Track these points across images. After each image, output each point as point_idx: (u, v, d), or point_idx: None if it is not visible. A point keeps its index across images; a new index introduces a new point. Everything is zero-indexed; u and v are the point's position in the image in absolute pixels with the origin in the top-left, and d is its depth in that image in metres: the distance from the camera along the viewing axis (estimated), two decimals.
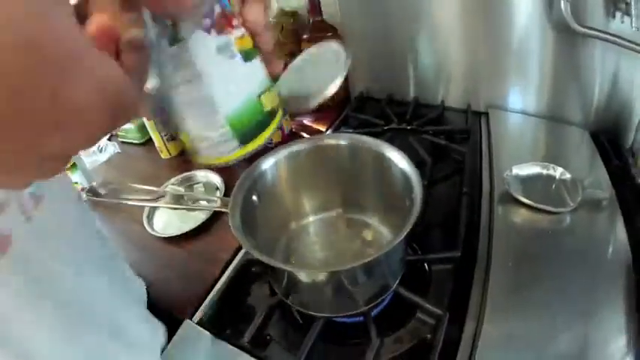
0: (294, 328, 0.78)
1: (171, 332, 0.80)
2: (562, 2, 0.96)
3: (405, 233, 0.62)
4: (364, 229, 0.88)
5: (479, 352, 0.66)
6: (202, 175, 1.22)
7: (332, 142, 0.85)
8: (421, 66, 1.34)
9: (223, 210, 0.74)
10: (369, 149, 0.81)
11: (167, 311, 0.84)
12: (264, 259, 0.63)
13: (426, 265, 0.83)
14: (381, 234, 0.86)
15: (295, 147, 0.84)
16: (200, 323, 0.80)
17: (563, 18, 0.97)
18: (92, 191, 0.81)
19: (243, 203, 0.74)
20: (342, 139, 0.84)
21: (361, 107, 1.41)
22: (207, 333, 0.78)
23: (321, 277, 0.68)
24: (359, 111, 1.38)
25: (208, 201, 0.83)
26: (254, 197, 0.78)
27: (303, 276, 0.69)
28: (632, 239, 0.80)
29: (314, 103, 0.59)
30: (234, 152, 0.49)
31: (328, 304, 0.72)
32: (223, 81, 0.46)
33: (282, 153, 0.83)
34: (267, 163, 0.81)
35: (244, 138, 0.49)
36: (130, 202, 0.81)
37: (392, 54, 1.36)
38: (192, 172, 1.24)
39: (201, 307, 0.84)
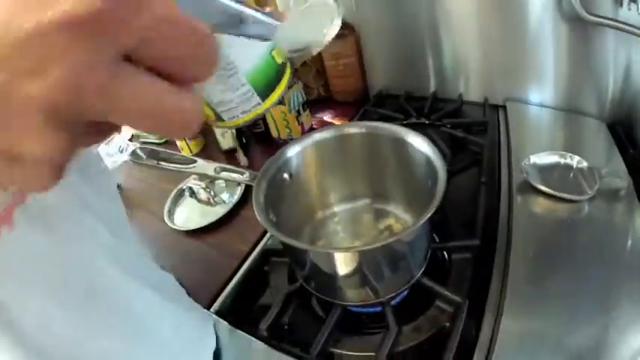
0: (312, 316, 0.79)
1: None
2: None
3: (429, 215, 0.62)
4: (390, 219, 0.88)
5: (498, 343, 0.65)
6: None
7: (353, 130, 0.84)
8: (439, 61, 1.35)
9: (249, 183, 0.74)
10: (390, 135, 0.80)
11: None
12: (283, 237, 0.64)
13: (445, 254, 0.83)
14: (407, 223, 0.86)
15: (318, 136, 0.84)
16: (218, 313, 0.81)
17: (573, 8, 0.97)
18: (134, 154, 0.81)
19: (270, 181, 0.75)
20: (363, 127, 0.84)
21: (380, 103, 1.42)
22: (225, 323, 0.79)
23: (342, 258, 0.67)
24: (378, 107, 1.38)
25: (236, 173, 0.83)
26: (285, 175, 0.80)
27: (323, 258, 0.69)
28: None
29: (316, 50, 0.60)
30: (257, 108, 0.51)
31: (348, 292, 0.72)
32: (239, 41, 0.46)
33: (307, 142, 0.83)
34: (293, 150, 0.81)
35: (264, 93, 0.51)
36: (169, 167, 0.81)
37: (409, 51, 1.36)
38: None
39: (220, 298, 0.85)
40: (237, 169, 0.79)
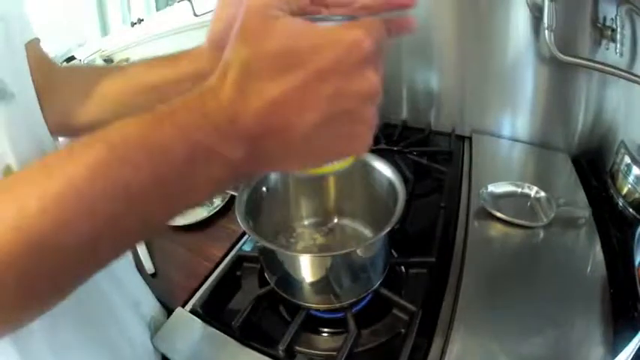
0: (279, 318, 0.85)
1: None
2: (545, 32, 1.02)
3: (387, 230, 0.70)
4: (355, 235, 0.96)
5: (450, 348, 0.72)
6: None
7: None
8: (412, 91, 1.42)
9: (233, 193, 0.80)
10: (359, 160, 0.87)
11: (162, 301, 0.92)
12: (261, 240, 0.73)
13: (403, 268, 0.90)
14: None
15: None
16: (193, 311, 0.86)
17: (547, 47, 1.04)
18: None
19: (251, 193, 0.83)
20: None
21: None
22: (198, 320, 0.84)
23: (309, 263, 0.75)
24: None
25: None
26: (263, 188, 0.87)
27: (293, 261, 0.77)
28: (607, 255, 0.86)
29: None
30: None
31: (314, 296, 0.79)
32: None
33: None
34: None
35: None
36: None
37: (385, 78, 1.41)
38: None
39: (194, 298, 0.90)
40: None
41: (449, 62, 1.33)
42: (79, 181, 0.32)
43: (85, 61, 1.93)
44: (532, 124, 1.25)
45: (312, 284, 0.77)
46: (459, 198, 1.09)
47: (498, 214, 0.95)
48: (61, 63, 1.74)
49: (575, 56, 1.03)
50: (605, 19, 1.00)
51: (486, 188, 1.01)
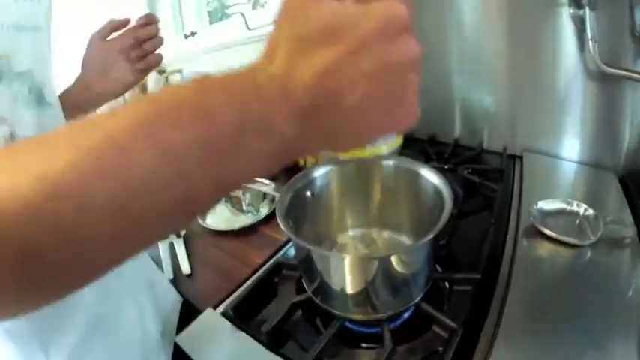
0: (313, 328, 0.82)
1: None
2: (590, 43, 0.99)
3: (431, 236, 0.67)
4: (398, 246, 0.93)
5: None
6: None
7: (373, 162, 0.92)
8: (465, 109, 1.41)
9: (273, 194, 0.79)
10: (405, 168, 0.87)
11: (192, 301, 0.92)
12: (299, 241, 0.71)
13: (447, 284, 0.86)
14: None
15: (342, 162, 0.91)
16: (224, 314, 0.85)
17: (593, 61, 1.01)
18: None
19: (293, 196, 0.82)
20: (384, 159, 0.91)
21: (404, 145, 1.45)
22: (228, 322, 0.83)
23: (349, 266, 0.71)
24: (402, 148, 1.42)
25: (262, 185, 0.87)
26: (308, 193, 0.85)
27: (333, 265, 0.74)
28: None
29: None
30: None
31: (351, 307, 0.76)
32: None
33: (332, 166, 0.90)
34: (319, 172, 0.88)
35: None
36: None
37: (439, 97, 1.42)
38: None
39: (227, 300, 0.89)
40: (263, 181, 0.84)
41: (500, 79, 1.31)
42: (120, 136, 0.30)
43: None
44: (581, 142, 1.21)
45: (351, 294, 0.74)
46: (508, 215, 1.05)
47: (546, 231, 0.91)
48: None
49: (619, 68, 1.00)
50: None
51: (536, 205, 0.98)
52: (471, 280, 0.84)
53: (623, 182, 1.10)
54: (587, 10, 0.98)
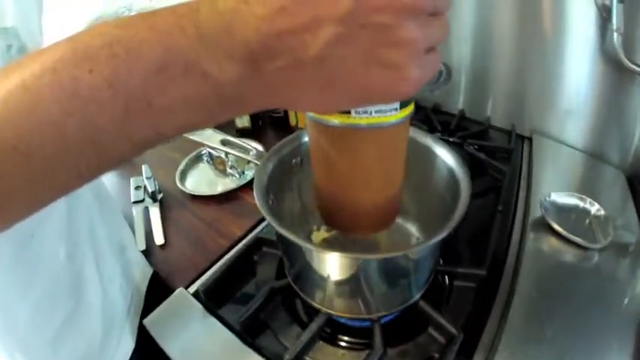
0: (293, 319, 0.74)
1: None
2: (614, 35, 0.93)
3: (443, 236, 0.56)
4: (399, 231, 0.81)
5: None
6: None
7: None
8: (471, 81, 1.32)
9: (255, 161, 0.71)
10: (417, 141, 0.74)
11: (163, 276, 0.85)
12: (278, 227, 0.58)
13: (447, 278, 0.78)
14: (416, 238, 0.81)
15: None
16: (195, 295, 0.78)
17: (613, 51, 0.95)
18: None
19: (278, 163, 0.71)
20: None
21: None
22: (199, 305, 0.76)
23: (340, 263, 0.61)
24: None
25: (246, 150, 0.78)
26: (294, 160, 0.74)
27: (319, 258, 0.62)
28: None
29: None
30: (392, 114, 0.46)
31: (338, 301, 0.67)
32: None
33: None
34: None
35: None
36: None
37: (442, 63, 1.31)
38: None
39: (201, 279, 0.82)
40: (245, 144, 0.75)
41: (509, 54, 1.22)
42: (29, 79, 0.28)
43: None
44: (590, 132, 1.14)
45: (338, 286, 0.63)
46: (516, 203, 0.98)
47: (556, 227, 0.85)
48: None
49: (637, 64, 0.94)
50: None
51: (549, 196, 0.90)
52: (476, 277, 0.76)
53: (630, 181, 1.05)
54: (615, 1, 0.91)
